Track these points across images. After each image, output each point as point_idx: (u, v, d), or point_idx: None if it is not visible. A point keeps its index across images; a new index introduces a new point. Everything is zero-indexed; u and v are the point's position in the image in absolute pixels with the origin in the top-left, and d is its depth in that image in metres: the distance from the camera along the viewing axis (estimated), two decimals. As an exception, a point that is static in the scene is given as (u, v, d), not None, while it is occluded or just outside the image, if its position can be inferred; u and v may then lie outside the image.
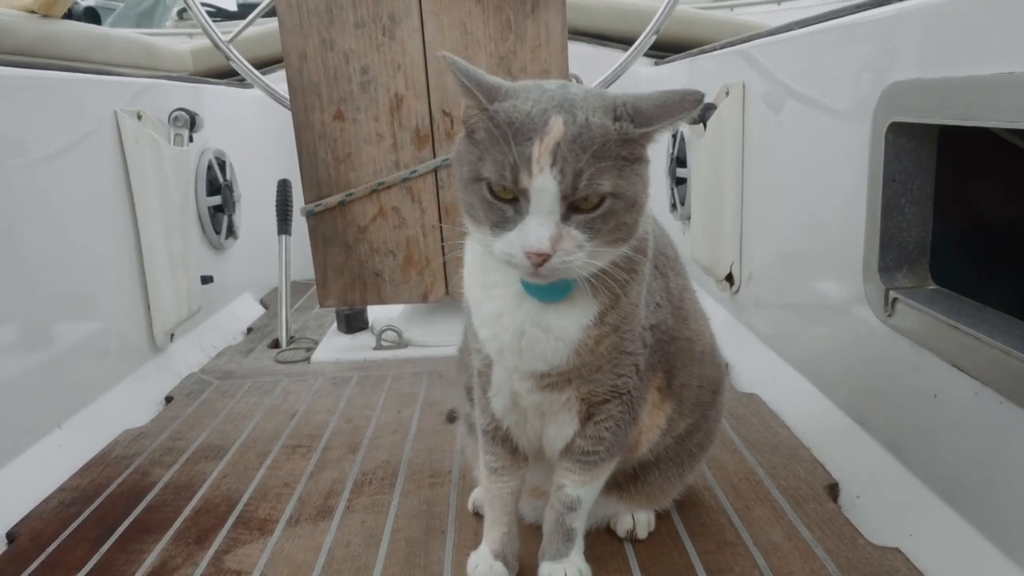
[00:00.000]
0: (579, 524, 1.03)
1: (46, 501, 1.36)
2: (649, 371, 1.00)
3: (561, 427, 0.99)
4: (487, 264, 0.91)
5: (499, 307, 0.91)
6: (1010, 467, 0.97)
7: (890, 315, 1.23)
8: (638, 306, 0.94)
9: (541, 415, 1.00)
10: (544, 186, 0.76)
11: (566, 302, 0.89)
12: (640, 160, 0.81)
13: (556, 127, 0.77)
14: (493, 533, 1.06)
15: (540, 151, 0.76)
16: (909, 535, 1.11)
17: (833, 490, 1.28)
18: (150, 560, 1.17)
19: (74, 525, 1.28)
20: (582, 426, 0.98)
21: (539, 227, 0.77)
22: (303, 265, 2.48)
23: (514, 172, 0.77)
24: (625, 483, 1.12)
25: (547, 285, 0.85)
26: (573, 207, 0.78)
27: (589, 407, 0.97)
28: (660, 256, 1.02)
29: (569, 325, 0.89)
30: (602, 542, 1.15)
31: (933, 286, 1.22)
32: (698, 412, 1.11)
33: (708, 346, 1.11)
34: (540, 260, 0.78)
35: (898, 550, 1.09)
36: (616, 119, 0.79)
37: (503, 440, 1.04)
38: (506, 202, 0.79)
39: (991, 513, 1.01)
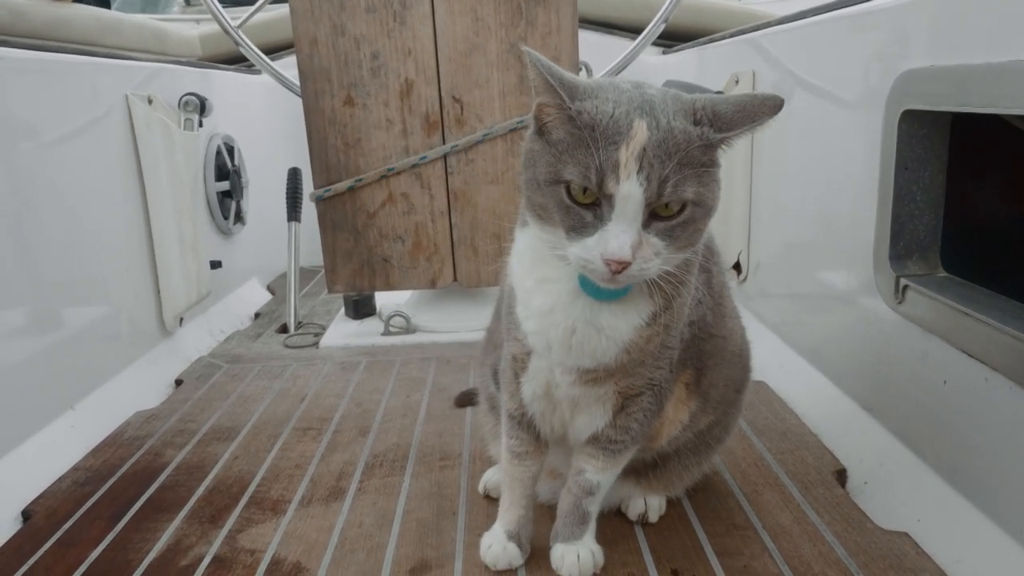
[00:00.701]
0: (594, 508, 1.04)
1: (60, 480, 1.37)
2: (679, 366, 1.00)
3: (592, 418, 0.99)
4: (541, 258, 0.89)
5: (552, 302, 0.89)
6: (1019, 452, 0.98)
7: (900, 302, 1.23)
8: (686, 305, 0.93)
9: (574, 405, 0.99)
10: (630, 193, 0.75)
11: (620, 301, 0.88)
12: (716, 165, 0.80)
13: (641, 131, 0.75)
14: (509, 515, 1.07)
15: (627, 156, 0.74)
16: (917, 520, 1.12)
17: (841, 476, 1.29)
18: (165, 538, 1.18)
19: (88, 504, 1.29)
20: (613, 417, 0.99)
21: (622, 234, 0.75)
22: (310, 251, 2.49)
23: (599, 176, 0.75)
24: (644, 470, 1.13)
25: None
26: (654, 213, 0.77)
27: (624, 400, 0.97)
28: (705, 250, 1.00)
29: (622, 325, 0.89)
30: (613, 524, 1.16)
31: (944, 274, 1.23)
32: (720, 410, 1.12)
33: (739, 346, 1.12)
34: (620, 268, 0.76)
35: (907, 534, 1.10)
36: (696, 123, 0.77)
37: (528, 426, 1.04)
38: (585, 207, 0.77)
39: (1000, 498, 1.02)
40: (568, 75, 0.79)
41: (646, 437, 1.02)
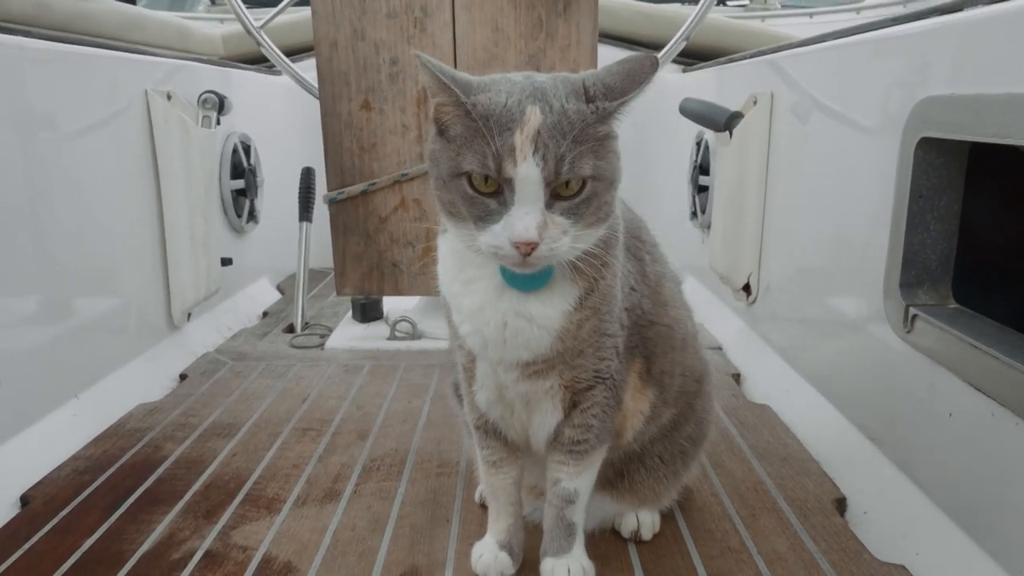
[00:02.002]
0: (578, 518, 1.03)
1: (60, 468, 1.37)
2: (628, 355, 1.00)
3: (545, 416, 1.00)
4: (464, 260, 0.92)
5: (480, 301, 0.91)
6: (1022, 489, 0.96)
7: (909, 332, 1.22)
8: (614, 287, 0.94)
9: (527, 405, 1.00)
10: (528, 174, 0.77)
11: (546, 289, 0.90)
12: (613, 136, 0.83)
13: (534, 116, 0.78)
14: (499, 524, 1.07)
15: (521, 140, 0.77)
16: (916, 553, 1.11)
17: (841, 504, 1.28)
18: (159, 531, 1.19)
19: (86, 493, 1.29)
20: (567, 415, 0.99)
21: (526, 216, 0.78)
22: (321, 253, 2.50)
23: (497, 162, 0.78)
24: (615, 480, 1.12)
25: (528, 274, 0.86)
26: (555, 194, 0.80)
27: (573, 395, 0.97)
28: (634, 240, 1.02)
29: (551, 312, 0.90)
30: (606, 541, 1.15)
31: (954, 305, 1.22)
32: (683, 402, 1.11)
33: (689, 335, 1.11)
34: (528, 249, 0.78)
35: (904, 568, 1.09)
36: (589, 100, 0.80)
37: (495, 433, 1.05)
38: (488, 195, 0.80)
39: (1000, 535, 1.01)
40: (461, 73, 0.82)
41: (610, 433, 1.02)
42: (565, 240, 0.81)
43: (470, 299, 0.92)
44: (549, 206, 0.80)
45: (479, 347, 0.95)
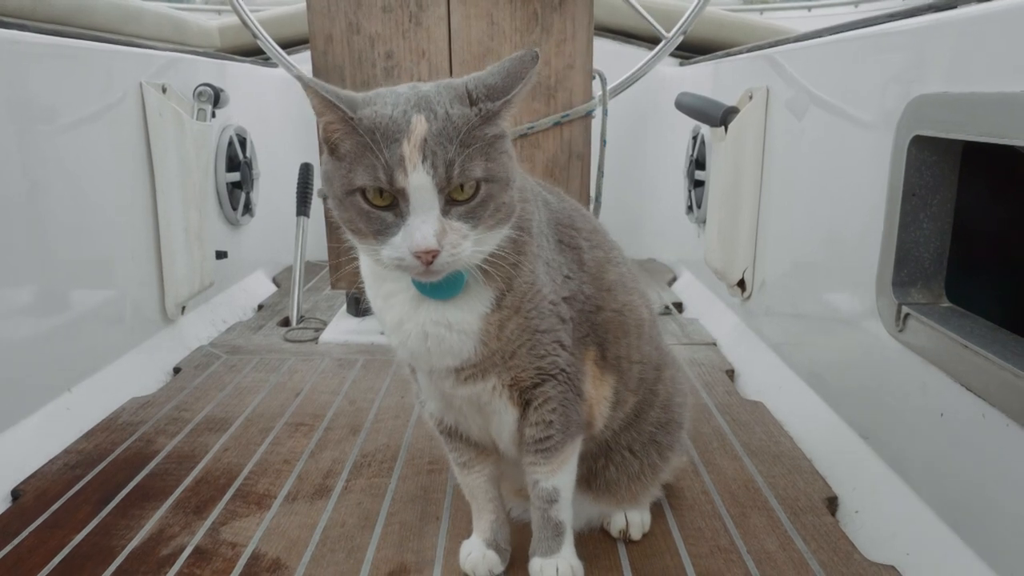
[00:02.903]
0: (565, 516, 1.02)
1: (52, 462, 1.37)
2: (580, 345, 0.99)
3: (500, 416, 0.99)
4: (381, 275, 0.92)
5: (399, 314, 0.92)
6: (1013, 491, 0.96)
7: (901, 331, 1.22)
8: (534, 283, 0.93)
9: (478, 409, 1.00)
10: (420, 183, 0.77)
11: (461, 295, 0.89)
12: (502, 136, 0.83)
13: (419, 124, 0.78)
14: (482, 522, 1.07)
15: (409, 149, 0.77)
16: (906, 554, 1.10)
17: (832, 503, 1.27)
18: (148, 526, 1.19)
19: (77, 487, 1.29)
20: (523, 413, 0.98)
21: (423, 225, 0.78)
22: (318, 245, 2.49)
23: (388, 173, 0.77)
24: (589, 477, 1.10)
25: (440, 283, 0.85)
26: (450, 199, 0.80)
27: (521, 392, 0.97)
28: (566, 229, 1.01)
29: (468, 317, 0.90)
30: (595, 541, 1.15)
31: (947, 304, 1.21)
32: (644, 388, 1.09)
33: (644, 321, 1.08)
34: (430, 258, 0.78)
35: (894, 568, 1.08)
36: (473, 103, 0.80)
37: (458, 435, 1.05)
38: (384, 209, 0.80)
39: (991, 536, 1.00)
40: (344, 91, 0.82)
41: (579, 427, 1.00)
42: (466, 245, 0.81)
43: (391, 313, 0.93)
44: (445, 212, 0.79)
45: (408, 358, 0.97)
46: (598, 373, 1.03)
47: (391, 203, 0.79)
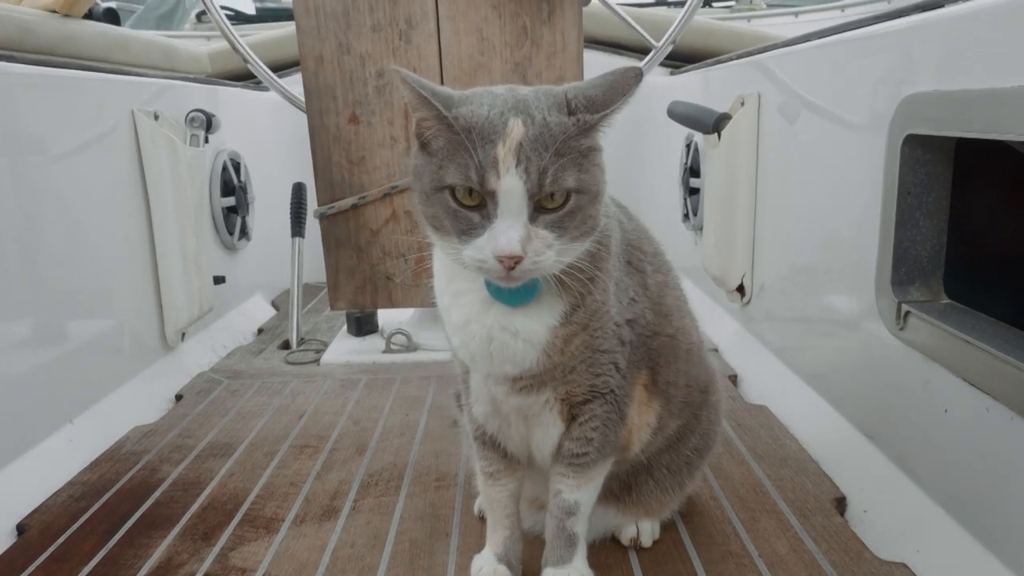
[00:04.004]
0: (580, 529, 1.02)
1: (56, 495, 1.37)
2: (633, 368, 0.99)
3: (546, 429, 0.99)
4: (453, 273, 0.92)
5: (467, 314, 0.91)
6: (1020, 484, 0.96)
7: (902, 329, 1.22)
8: (606, 302, 0.93)
9: (524, 419, 1.00)
10: (511, 187, 0.77)
11: (532, 304, 0.89)
12: (596, 149, 0.83)
13: (516, 128, 0.77)
14: (496, 536, 1.06)
15: (504, 152, 0.77)
16: (916, 551, 1.10)
17: (840, 504, 1.27)
18: (156, 555, 1.18)
19: (83, 519, 1.29)
20: (567, 428, 0.98)
21: (509, 229, 0.78)
22: (314, 268, 2.49)
23: (480, 174, 0.77)
24: (620, 492, 1.11)
25: (513, 289, 0.85)
26: (539, 207, 0.79)
27: (571, 408, 0.97)
28: (634, 251, 1.01)
29: (536, 327, 0.90)
30: (606, 550, 1.14)
31: (946, 300, 1.22)
32: (688, 412, 1.10)
33: (694, 344, 1.10)
34: (512, 263, 0.78)
35: (905, 566, 1.08)
36: (571, 112, 0.80)
37: (493, 444, 1.05)
38: (472, 209, 0.79)
39: (1000, 530, 1.00)
40: (441, 87, 0.82)
41: (615, 448, 1.01)
42: (549, 254, 0.80)
43: (458, 312, 0.92)
44: (533, 219, 0.79)
45: (468, 360, 0.96)
46: (645, 399, 1.03)
47: (479, 204, 0.79)
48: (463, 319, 0.91)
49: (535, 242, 0.79)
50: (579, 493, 1.00)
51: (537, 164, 0.77)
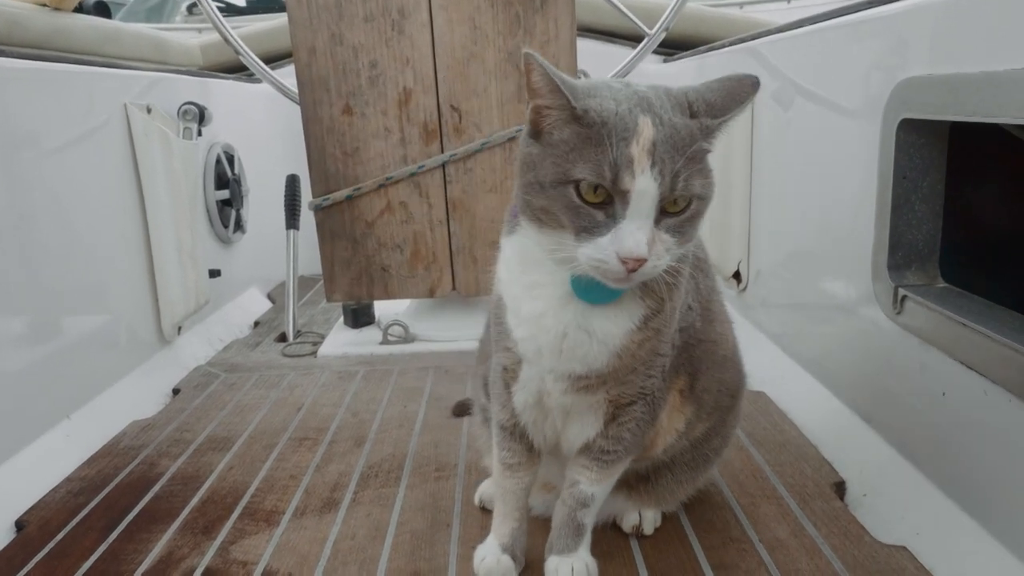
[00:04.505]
0: (589, 520, 1.03)
1: (55, 490, 1.36)
2: (672, 373, 0.99)
3: (584, 427, 0.98)
4: (530, 263, 0.89)
5: (542, 307, 0.89)
6: (1019, 465, 0.97)
7: (899, 313, 1.22)
8: (677, 309, 0.92)
9: (565, 414, 0.99)
10: (645, 188, 0.74)
11: (612, 305, 0.87)
12: (708, 154, 0.80)
13: (647, 128, 0.75)
14: (503, 527, 1.06)
15: (639, 152, 0.74)
16: (916, 534, 1.11)
17: (840, 488, 1.28)
18: (157, 549, 1.18)
19: (82, 514, 1.28)
20: (605, 427, 0.98)
21: (637, 231, 0.75)
22: (309, 260, 2.49)
23: (614, 172, 0.74)
24: (636, 483, 1.12)
25: (599, 288, 0.83)
26: (663, 210, 0.77)
27: (615, 409, 0.96)
28: (693, 256, 0.99)
29: (614, 329, 0.88)
30: (608, 537, 1.15)
31: (943, 284, 1.22)
32: (716, 416, 1.10)
33: (731, 350, 1.10)
34: (635, 265, 0.75)
35: (905, 548, 1.09)
36: (693, 115, 0.78)
37: (520, 436, 1.03)
38: (596, 206, 0.76)
39: (999, 512, 1.01)
40: (567, 76, 0.79)
41: (640, 447, 1.01)
42: (666, 259, 0.78)
43: (531, 304, 0.90)
44: (656, 222, 0.77)
45: (532, 354, 0.92)
46: (678, 404, 1.03)
47: (604, 201, 0.76)
48: (538, 311, 0.89)
49: (657, 246, 0.77)
50: (597, 487, 1.00)
51: (671, 167, 0.75)
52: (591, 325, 0.88)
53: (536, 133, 0.81)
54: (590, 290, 0.85)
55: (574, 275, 0.83)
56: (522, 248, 0.90)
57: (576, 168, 0.76)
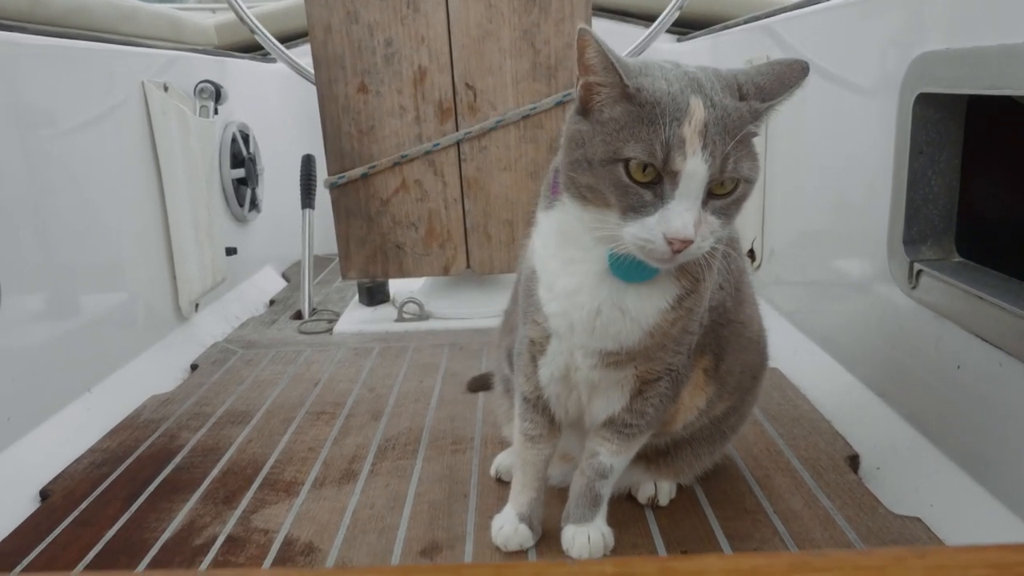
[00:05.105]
0: (606, 491, 1.04)
1: (77, 461, 1.39)
2: (698, 352, 1.00)
3: (609, 402, 0.99)
4: (569, 239, 0.89)
5: (578, 283, 0.89)
6: (1033, 436, 0.97)
7: (914, 288, 1.22)
8: (709, 289, 0.93)
9: (592, 389, 0.99)
10: (695, 169, 0.74)
11: (647, 284, 0.87)
12: (755, 137, 0.80)
13: (698, 109, 0.75)
14: (522, 497, 1.07)
15: (691, 133, 0.74)
16: (930, 505, 1.12)
17: (854, 461, 1.29)
18: (179, 518, 1.20)
19: (105, 484, 1.31)
20: (630, 401, 0.99)
21: (685, 212, 0.75)
22: (324, 239, 2.50)
23: (665, 152, 0.74)
24: (655, 457, 1.13)
25: (636, 266, 0.83)
26: (710, 192, 0.77)
27: (642, 384, 0.97)
28: (728, 238, 0.99)
29: (647, 307, 0.88)
30: (623, 508, 1.16)
31: (958, 259, 1.22)
32: (737, 396, 1.11)
33: (756, 332, 1.11)
34: (683, 246, 0.75)
35: (919, 519, 1.10)
36: (743, 98, 0.78)
37: (543, 409, 1.04)
38: (644, 186, 0.76)
39: (1013, 483, 1.02)
40: (619, 55, 0.78)
41: (661, 422, 1.02)
42: (711, 240, 0.78)
43: (567, 280, 0.90)
44: (703, 204, 0.77)
45: (564, 329, 0.93)
46: (702, 383, 1.04)
47: (653, 181, 0.76)
48: (573, 287, 0.89)
49: (703, 227, 0.77)
50: (616, 459, 1.02)
51: (721, 149, 0.75)
52: (625, 303, 0.88)
53: (585, 111, 0.81)
54: (627, 268, 0.85)
55: (613, 252, 0.83)
56: (561, 223, 0.90)
57: (627, 147, 0.76)
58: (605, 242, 0.82)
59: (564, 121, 0.85)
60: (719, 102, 0.76)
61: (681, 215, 0.75)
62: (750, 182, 0.79)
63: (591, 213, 0.82)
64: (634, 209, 0.77)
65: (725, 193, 0.78)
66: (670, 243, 0.75)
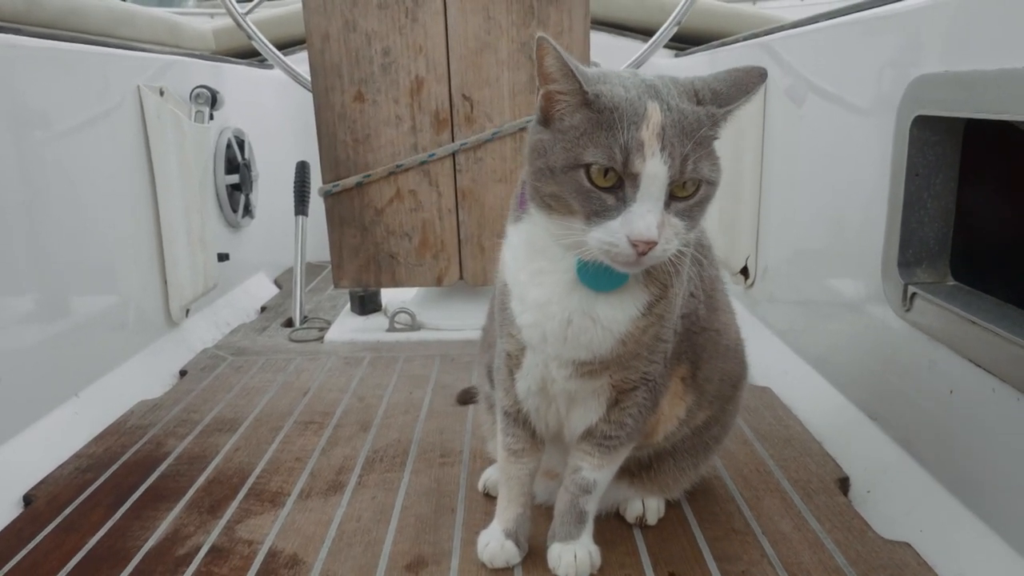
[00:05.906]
0: (591, 507, 1.03)
1: (62, 466, 1.37)
2: (674, 360, 1.00)
3: (587, 412, 0.99)
4: (537, 251, 0.90)
5: (548, 294, 0.89)
6: (1024, 463, 0.97)
7: (908, 310, 1.22)
8: (680, 295, 0.93)
9: (569, 400, 0.99)
10: (655, 171, 0.75)
11: (617, 292, 0.88)
12: (715, 141, 0.82)
13: (655, 113, 0.76)
14: (507, 513, 1.07)
15: (648, 135, 0.75)
16: (920, 530, 1.11)
17: (844, 484, 1.28)
18: (163, 526, 1.19)
19: (90, 490, 1.29)
20: (606, 411, 0.98)
21: (647, 214, 0.76)
22: (317, 247, 2.49)
23: (624, 155, 0.75)
24: (638, 471, 1.12)
25: (604, 274, 0.84)
26: (672, 194, 0.78)
27: (618, 394, 0.97)
28: (697, 244, 0.99)
29: (618, 315, 0.89)
30: (611, 527, 1.15)
31: (953, 282, 1.22)
32: (717, 405, 1.11)
33: (733, 340, 1.11)
34: (646, 248, 0.76)
35: (908, 545, 1.09)
36: (700, 103, 0.79)
37: (524, 423, 1.04)
38: (606, 190, 0.77)
39: (1004, 510, 1.01)
40: (578, 63, 0.80)
41: (642, 433, 1.02)
42: (675, 243, 0.79)
43: (537, 291, 0.90)
44: (666, 206, 0.78)
45: (537, 340, 0.93)
46: (680, 392, 1.04)
47: (614, 185, 0.77)
48: (543, 298, 0.90)
49: (667, 229, 0.77)
50: (599, 473, 1.01)
51: (680, 151, 0.76)
52: (595, 312, 0.88)
53: (546, 120, 0.82)
54: (595, 277, 0.86)
55: (581, 262, 0.84)
56: (529, 235, 0.91)
57: (587, 152, 0.77)
58: (572, 249, 0.83)
59: None
60: (676, 106, 0.78)
61: (644, 216, 0.76)
62: (712, 183, 0.80)
63: (556, 221, 0.82)
64: (597, 214, 0.78)
65: (687, 195, 0.79)
66: (634, 245, 0.76)
